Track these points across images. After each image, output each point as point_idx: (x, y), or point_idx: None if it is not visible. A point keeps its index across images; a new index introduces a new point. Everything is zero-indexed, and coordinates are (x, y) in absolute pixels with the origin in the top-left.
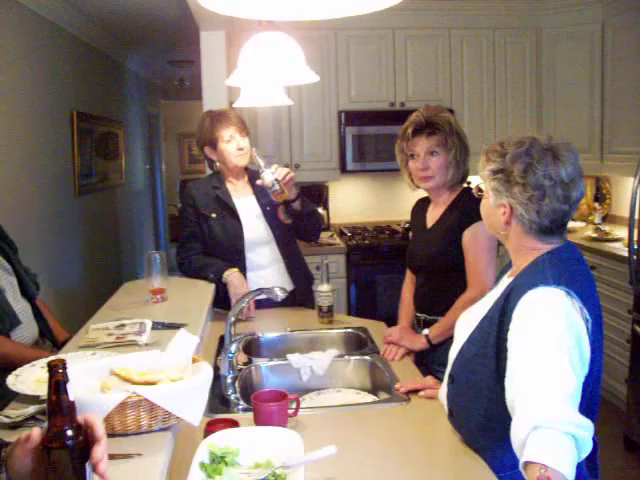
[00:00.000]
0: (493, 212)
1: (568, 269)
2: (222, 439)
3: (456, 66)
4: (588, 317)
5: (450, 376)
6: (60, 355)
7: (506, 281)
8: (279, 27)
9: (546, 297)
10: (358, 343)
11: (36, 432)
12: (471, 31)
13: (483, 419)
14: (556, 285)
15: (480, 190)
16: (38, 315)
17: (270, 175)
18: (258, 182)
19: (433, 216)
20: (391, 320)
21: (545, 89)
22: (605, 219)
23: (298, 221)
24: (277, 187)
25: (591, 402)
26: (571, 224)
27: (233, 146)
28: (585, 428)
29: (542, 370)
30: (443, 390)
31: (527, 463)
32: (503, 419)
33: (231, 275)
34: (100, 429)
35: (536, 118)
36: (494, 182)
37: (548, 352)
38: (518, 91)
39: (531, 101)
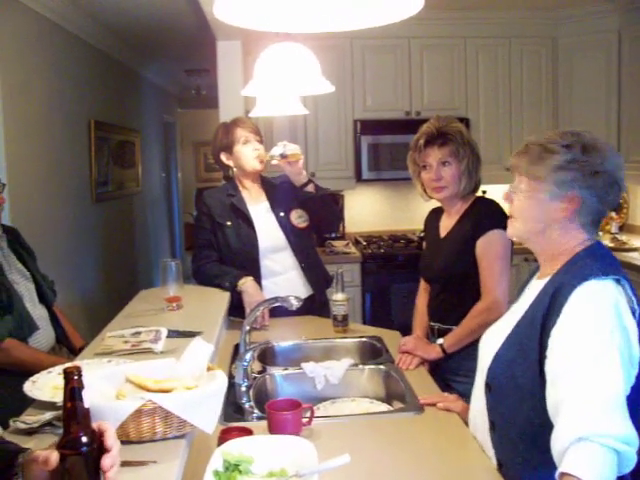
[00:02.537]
0: (545, 208)
1: (609, 262)
2: (236, 447)
3: (472, 75)
4: (636, 307)
5: (487, 385)
6: (76, 362)
7: (537, 284)
8: (295, 37)
9: (598, 291)
10: (373, 352)
11: (54, 457)
12: (487, 40)
13: (527, 428)
14: (604, 276)
15: (509, 199)
16: (55, 321)
17: (278, 147)
18: (273, 162)
19: (446, 226)
20: (406, 329)
21: (561, 98)
22: (622, 229)
23: (314, 208)
24: (288, 150)
25: (635, 409)
26: None
27: (250, 148)
28: (630, 442)
29: (589, 374)
30: (476, 404)
31: (563, 474)
32: (549, 428)
33: (246, 284)
34: (110, 439)
35: (552, 127)
36: (564, 173)
37: (598, 353)
38: (534, 100)
39: (547, 110)
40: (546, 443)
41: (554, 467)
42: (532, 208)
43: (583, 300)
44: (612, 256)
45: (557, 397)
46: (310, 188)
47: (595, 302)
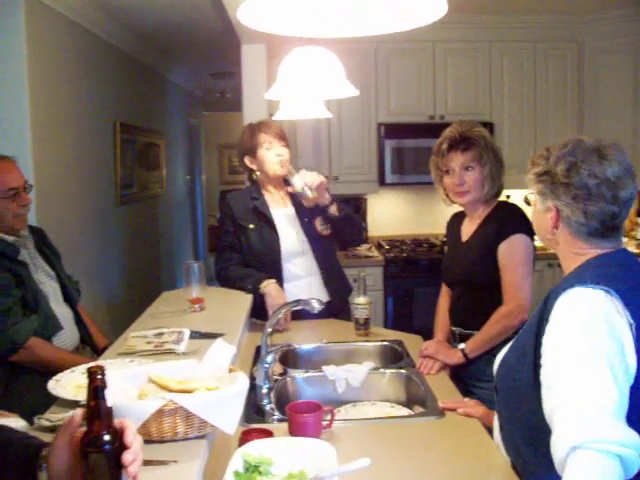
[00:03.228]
0: (542, 217)
1: (612, 271)
2: (257, 448)
3: (496, 79)
4: (631, 321)
5: (495, 387)
6: (99, 361)
7: None
8: (319, 41)
9: (582, 297)
10: (394, 356)
11: (77, 416)
12: (512, 44)
13: (526, 431)
14: (594, 285)
15: (527, 201)
16: (79, 321)
17: (299, 181)
18: (289, 189)
19: (468, 230)
20: (427, 333)
21: (587, 102)
22: None
23: (337, 227)
24: (307, 192)
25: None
26: None
27: (272, 153)
28: (631, 445)
29: (580, 380)
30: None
31: None
32: (546, 433)
33: (268, 286)
34: (130, 436)
35: (577, 132)
36: (539, 185)
37: (586, 359)
38: (559, 104)
39: (572, 115)
40: (544, 448)
41: (551, 474)
42: (535, 218)
43: (565, 306)
44: (627, 265)
45: (551, 406)
46: (333, 210)
47: (579, 308)
